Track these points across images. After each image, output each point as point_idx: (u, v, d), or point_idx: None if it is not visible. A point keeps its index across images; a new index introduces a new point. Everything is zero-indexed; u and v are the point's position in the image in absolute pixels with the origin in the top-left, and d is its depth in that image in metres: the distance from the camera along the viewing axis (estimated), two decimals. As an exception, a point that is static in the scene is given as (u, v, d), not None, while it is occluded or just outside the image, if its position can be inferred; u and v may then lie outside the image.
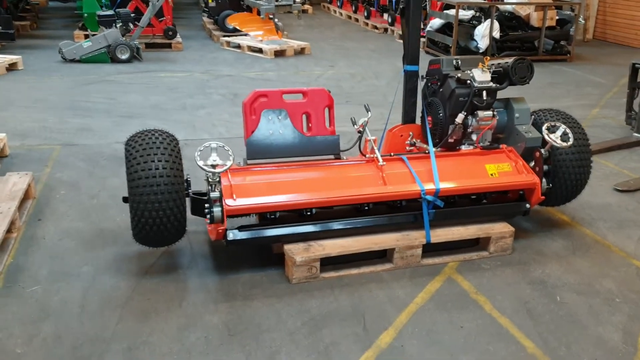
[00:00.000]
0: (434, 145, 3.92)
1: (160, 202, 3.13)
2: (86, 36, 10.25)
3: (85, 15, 10.17)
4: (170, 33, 10.98)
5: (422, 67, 4.23)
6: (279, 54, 10.55)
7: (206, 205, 3.27)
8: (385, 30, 13.65)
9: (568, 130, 3.78)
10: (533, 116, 4.04)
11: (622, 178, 5.13)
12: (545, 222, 4.28)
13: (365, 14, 14.96)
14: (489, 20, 9.92)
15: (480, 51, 10.03)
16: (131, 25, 9.64)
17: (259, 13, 11.22)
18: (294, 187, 3.47)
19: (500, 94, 3.99)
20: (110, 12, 9.66)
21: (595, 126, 6.68)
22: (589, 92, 8.50)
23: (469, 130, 3.99)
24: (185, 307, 3.16)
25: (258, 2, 10.95)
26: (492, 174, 3.79)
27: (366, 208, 3.65)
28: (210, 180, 3.21)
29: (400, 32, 12.52)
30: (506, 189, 3.86)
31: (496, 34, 10.02)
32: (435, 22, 10.94)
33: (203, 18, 13.98)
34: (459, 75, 3.91)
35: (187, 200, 3.34)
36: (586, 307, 3.26)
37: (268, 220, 3.52)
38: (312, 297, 3.29)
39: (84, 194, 4.56)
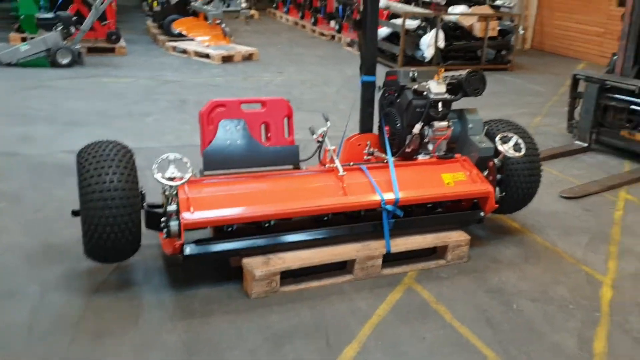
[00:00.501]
0: (392, 155, 3.95)
1: (115, 216, 3.00)
2: (23, 39, 9.79)
3: (22, 17, 9.73)
4: (114, 37, 10.63)
5: (377, 77, 4.25)
6: (227, 59, 10.41)
7: (162, 219, 3.17)
8: (333, 37, 13.72)
9: (520, 141, 3.89)
10: (486, 127, 4.14)
11: (567, 185, 5.31)
12: (497, 230, 4.37)
13: (313, 20, 14.99)
14: (434, 30, 10.14)
15: (426, 60, 10.22)
16: (72, 29, 9.29)
17: (205, 18, 11.04)
18: (253, 198, 3.41)
19: (454, 105, 4.06)
20: (51, 14, 9.27)
21: (539, 134, 6.88)
22: (530, 100, 8.78)
23: (426, 140, 4.04)
24: (141, 326, 3.04)
25: (205, 7, 10.77)
26: (448, 183, 3.85)
27: (325, 219, 3.63)
28: (167, 193, 3.11)
29: (348, 40, 12.77)
30: (462, 197, 3.93)
31: (441, 43, 10.24)
32: (383, 31, 11.07)
33: (147, 22, 13.65)
34: (416, 86, 3.96)
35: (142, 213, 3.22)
36: (542, 314, 3.34)
37: (224, 233, 3.44)
38: (273, 312, 3.22)
39: (28, 207, 4.32)
